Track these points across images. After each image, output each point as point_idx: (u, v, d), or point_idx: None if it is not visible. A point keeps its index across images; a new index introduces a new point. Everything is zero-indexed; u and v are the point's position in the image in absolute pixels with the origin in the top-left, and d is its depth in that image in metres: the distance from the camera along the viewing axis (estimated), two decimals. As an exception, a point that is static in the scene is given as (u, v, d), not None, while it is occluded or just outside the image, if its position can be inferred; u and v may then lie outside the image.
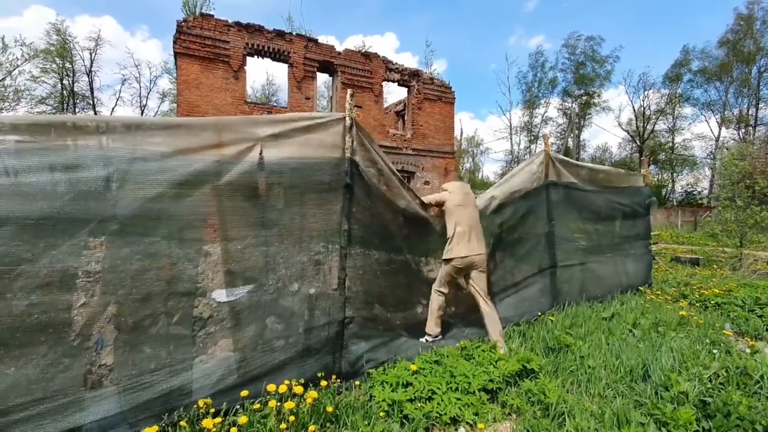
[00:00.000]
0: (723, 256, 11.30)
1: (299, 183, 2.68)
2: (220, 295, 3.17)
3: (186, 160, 2.23)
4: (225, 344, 2.62)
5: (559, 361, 3.48)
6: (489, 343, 3.59)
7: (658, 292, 6.09)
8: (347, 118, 2.80)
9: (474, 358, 3.31)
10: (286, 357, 2.80)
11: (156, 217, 2.20)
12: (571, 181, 5.17)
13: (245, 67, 13.18)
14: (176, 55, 12.40)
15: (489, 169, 79.37)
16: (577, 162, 5.37)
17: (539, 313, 4.62)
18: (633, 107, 42.58)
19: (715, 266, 9.35)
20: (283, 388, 2.47)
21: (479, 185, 50.63)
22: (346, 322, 3.12)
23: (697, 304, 5.63)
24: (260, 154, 2.54)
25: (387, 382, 2.90)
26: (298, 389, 2.46)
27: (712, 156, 38.06)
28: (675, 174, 40.76)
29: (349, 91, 2.94)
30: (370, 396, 2.84)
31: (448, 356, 3.25)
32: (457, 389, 2.83)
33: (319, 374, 2.74)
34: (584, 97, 41.38)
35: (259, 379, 2.63)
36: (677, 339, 3.98)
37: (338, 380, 2.80)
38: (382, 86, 15.79)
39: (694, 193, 39.07)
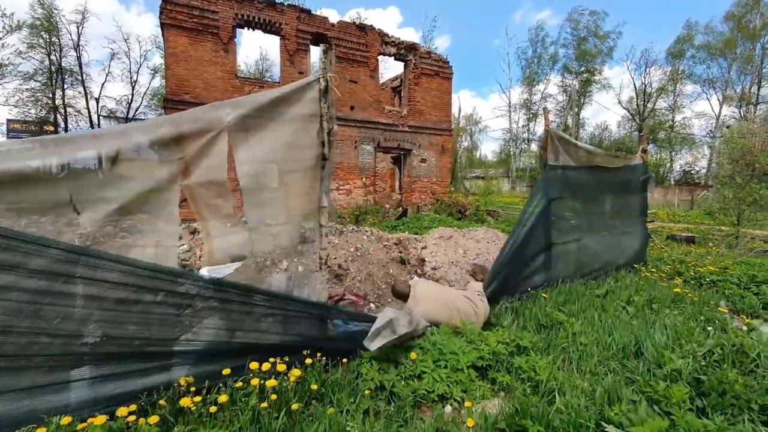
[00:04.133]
0: (719, 234, 11.28)
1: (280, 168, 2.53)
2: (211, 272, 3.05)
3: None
4: (211, 322, 2.52)
5: (551, 338, 3.43)
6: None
7: (653, 270, 6.04)
8: (321, 80, 2.58)
9: (465, 335, 3.25)
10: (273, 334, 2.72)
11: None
12: (568, 161, 5.02)
13: (235, 40, 12.72)
14: (163, 26, 11.92)
15: (487, 148, 78.76)
16: (576, 142, 5.21)
17: (530, 290, 4.56)
18: (634, 85, 41.92)
19: (710, 244, 9.32)
20: (266, 366, 2.40)
21: (477, 164, 50.27)
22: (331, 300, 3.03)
23: (692, 282, 5.59)
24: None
25: (375, 359, 2.84)
26: (281, 367, 2.39)
27: (711, 134, 37.78)
28: (673, 153, 40.50)
29: (333, 54, 2.71)
30: (358, 374, 2.78)
31: (440, 334, 3.18)
32: (446, 366, 2.77)
33: (305, 352, 2.67)
34: (585, 74, 40.62)
35: (244, 356, 2.55)
36: (671, 316, 3.94)
37: (324, 358, 2.72)
38: (377, 60, 15.33)
39: (692, 172, 38.95)
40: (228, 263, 3.04)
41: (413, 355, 2.83)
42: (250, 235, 2.50)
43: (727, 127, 31.08)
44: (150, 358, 2.13)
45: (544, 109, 4.94)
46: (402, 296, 3.73)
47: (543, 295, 4.28)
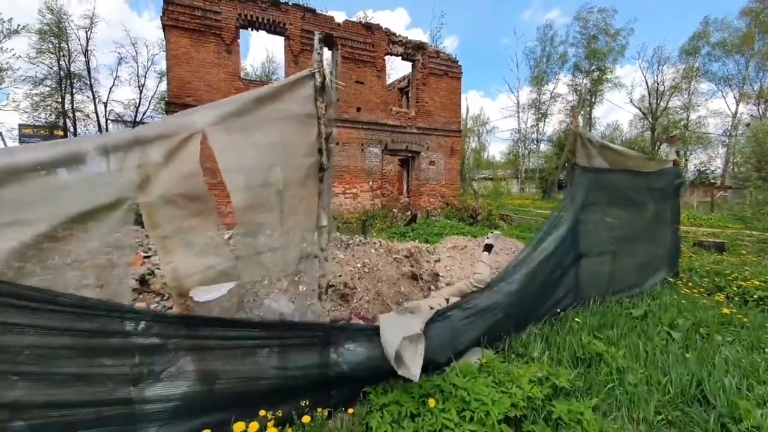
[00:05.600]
0: (749, 240, 10.62)
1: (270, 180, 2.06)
2: (201, 294, 2.64)
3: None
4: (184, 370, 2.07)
5: (591, 375, 2.93)
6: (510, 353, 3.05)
7: (690, 284, 5.49)
8: (317, 75, 2.13)
9: (492, 374, 2.77)
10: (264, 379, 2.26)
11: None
12: (602, 164, 4.52)
13: (238, 40, 12.37)
14: (165, 27, 11.61)
15: (495, 149, 77.98)
16: (608, 143, 4.70)
17: (559, 311, 4.05)
18: (646, 83, 40.94)
19: (743, 252, 8.69)
20: (254, 427, 1.95)
21: (484, 165, 49.60)
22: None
23: (736, 299, 5.03)
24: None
25: (387, 409, 2.37)
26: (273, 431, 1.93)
27: (728, 133, 36.70)
28: (687, 153, 39.44)
29: (317, 35, 2.23)
30: (367, 427, 2.32)
31: (461, 374, 2.70)
32: (472, 419, 2.29)
33: (303, 403, 2.21)
34: (596, 73, 39.73)
35: (228, 409, 2.10)
36: (727, 346, 3.42)
37: (325, 410, 2.26)
38: (384, 60, 14.90)
39: (707, 172, 37.86)
40: (208, 295, 2.60)
41: (431, 402, 2.36)
42: (238, 264, 2.05)
43: (747, 125, 30.10)
44: (102, 424, 1.68)
45: (572, 108, 4.47)
46: None
47: (576, 319, 3.78)
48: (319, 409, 2.18)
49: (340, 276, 4.02)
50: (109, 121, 31.98)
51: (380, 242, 5.20)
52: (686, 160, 39.81)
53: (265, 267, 2.08)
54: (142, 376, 1.67)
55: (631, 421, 2.50)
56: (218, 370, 1.96)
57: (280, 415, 2.09)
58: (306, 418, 2.05)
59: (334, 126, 2.29)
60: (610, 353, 3.19)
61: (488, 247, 4.34)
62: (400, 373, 2.24)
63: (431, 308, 2.82)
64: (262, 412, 2.11)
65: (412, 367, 2.24)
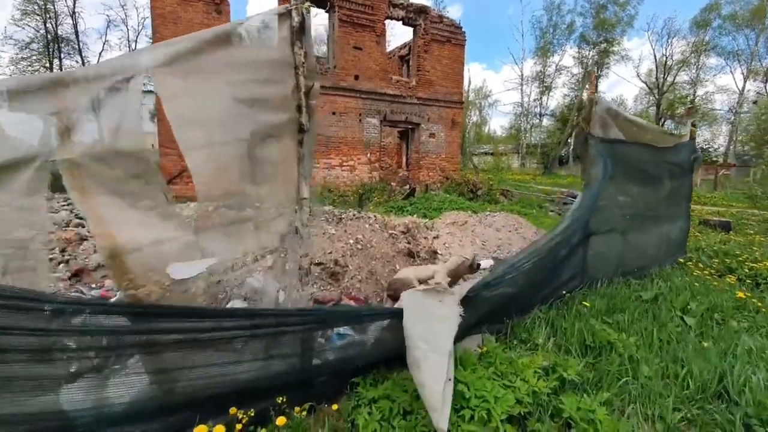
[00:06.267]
0: (755, 219, 10.38)
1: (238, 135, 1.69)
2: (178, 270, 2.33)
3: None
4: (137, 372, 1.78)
5: (601, 366, 2.68)
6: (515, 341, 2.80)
7: (700, 265, 5.24)
8: (294, 14, 1.71)
9: (494, 364, 2.51)
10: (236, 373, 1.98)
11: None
12: (618, 135, 4.15)
13: (228, 0, 11.60)
14: (149, -17, 10.83)
15: (496, 123, 76.69)
16: (626, 114, 4.31)
17: (565, 293, 3.78)
18: (654, 56, 39.71)
19: (750, 232, 8.44)
20: (219, 430, 1.68)
21: (485, 140, 48.73)
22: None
23: (748, 281, 4.78)
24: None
25: (376, 405, 2.12)
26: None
27: (733, 110, 35.89)
28: (681, 130, 38.63)
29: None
30: (353, 424, 2.07)
31: (462, 365, 2.44)
32: (472, 418, 2.04)
33: (280, 399, 1.94)
34: (603, 45, 38.36)
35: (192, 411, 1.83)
36: (745, 333, 3.17)
37: (306, 405, 2.00)
38: (384, 25, 14.11)
39: (710, 150, 37.28)
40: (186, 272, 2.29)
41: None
42: (200, 239, 1.72)
43: (754, 102, 29.37)
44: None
45: (589, 72, 4.03)
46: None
47: (584, 303, 3.51)
48: (297, 409, 1.91)
49: (331, 253, 3.72)
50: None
51: (376, 217, 4.88)
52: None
53: (234, 244, 1.76)
54: (73, 379, 1.38)
55: (645, 418, 2.26)
56: (176, 367, 1.68)
57: (252, 414, 1.82)
58: (281, 420, 1.78)
59: (317, 79, 1.91)
60: (621, 341, 2.94)
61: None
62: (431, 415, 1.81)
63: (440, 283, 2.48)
64: (232, 411, 1.85)
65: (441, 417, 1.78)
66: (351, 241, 3.97)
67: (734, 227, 9.13)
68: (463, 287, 2.37)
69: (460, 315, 2.07)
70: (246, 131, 1.64)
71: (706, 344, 2.90)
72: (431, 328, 2.14)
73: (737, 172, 25.84)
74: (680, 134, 5.52)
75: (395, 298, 3.12)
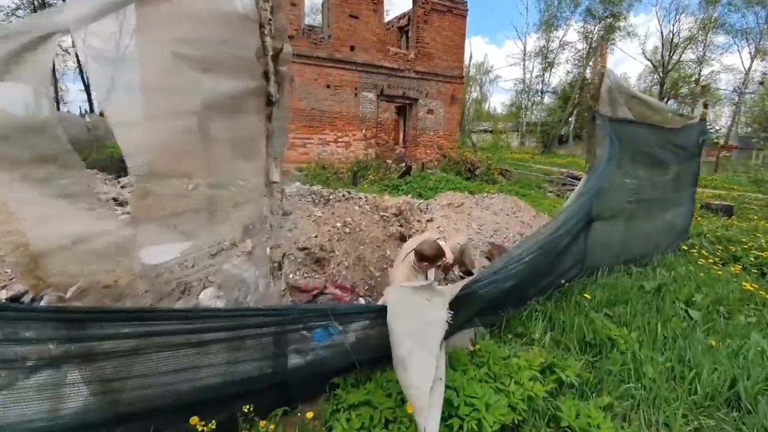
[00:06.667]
0: (757, 204, 10.18)
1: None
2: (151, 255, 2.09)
3: None
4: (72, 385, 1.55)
5: (602, 365, 2.50)
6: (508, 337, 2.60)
7: (704, 252, 5.05)
8: None
9: (488, 364, 2.31)
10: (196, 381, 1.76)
11: None
12: (627, 114, 3.85)
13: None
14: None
15: (496, 100, 75.34)
16: (636, 92, 3.99)
17: (564, 283, 3.58)
18: (661, 33, 38.53)
19: (753, 217, 8.25)
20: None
21: (485, 117, 47.84)
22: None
23: (754, 270, 4.60)
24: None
25: (356, 411, 1.92)
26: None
27: (738, 90, 35.15)
28: (694, 110, 38.01)
29: None
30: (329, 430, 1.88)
31: (450, 366, 2.24)
32: (461, 429, 1.84)
33: (246, 408, 1.73)
34: (609, 19, 37.12)
35: (145, 421, 1.61)
36: (755, 330, 2.99)
37: (279, 410, 1.79)
38: (382, -8, 13.40)
39: (712, 131, 36.71)
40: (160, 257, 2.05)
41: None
42: (141, 231, 1.46)
43: (761, 83, 28.71)
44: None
45: (600, 41, 3.65)
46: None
47: (585, 295, 3.31)
48: (263, 423, 1.70)
49: (316, 237, 3.47)
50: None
51: (367, 197, 4.61)
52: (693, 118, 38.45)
53: (182, 237, 1.50)
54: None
55: (649, 425, 2.09)
56: (121, 376, 1.45)
57: (213, 427, 1.61)
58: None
59: (287, 42, 1.60)
60: (623, 337, 2.75)
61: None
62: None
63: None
64: (193, 420, 1.64)
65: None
66: (339, 225, 3.71)
67: (736, 212, 8.93)
68: (456, 286, 2.13)
69: (447, 321, 1.84)
70: (196, 101, 1.36)
71: (713, 342, 2.71)
72: (417, 325, 1.91)
73: (738, 154, 25.53)
74: (689, 116, 5.21)
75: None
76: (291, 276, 3.12)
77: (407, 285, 2.14)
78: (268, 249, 1.80)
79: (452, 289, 2.12)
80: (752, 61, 34.88)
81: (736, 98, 35.39)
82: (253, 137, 1.59)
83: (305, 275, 3.19)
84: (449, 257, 3.08)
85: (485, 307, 2.65)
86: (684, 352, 2.59)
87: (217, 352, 1.77)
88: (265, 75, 1.58)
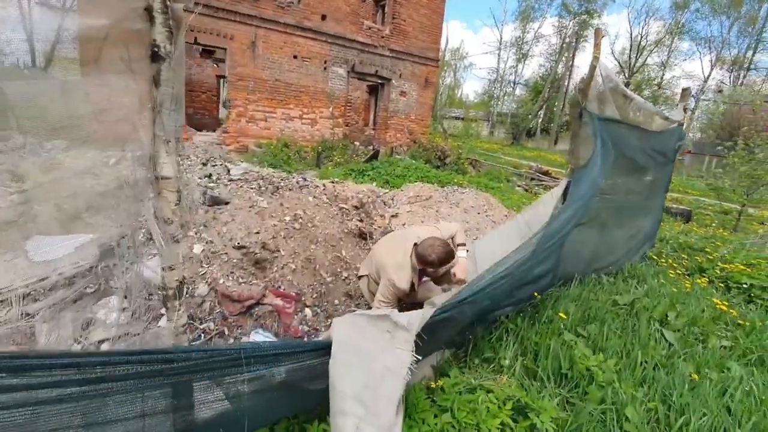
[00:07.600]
0: (711, 209, 10.50)
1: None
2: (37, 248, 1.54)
3: None
4: None
5: (580, 407, 2.16)
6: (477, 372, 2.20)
7: (671, 261, 4.94)
8: None
9: (451, 409, 1.90)
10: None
11: None
12: (614, 113, 3.51)
13: None
14: None
15: (469, 87, 75.34)
16: (627, 91, 3.64)
17: (536, 295, 3.25)
18: (630, 34, 39.63)
19: (710, 224, 8.43)
20: None
21: (457, 104, 47.68)
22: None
23: (720, 284, 4.52)
24: None
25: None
26: None
27: (695, 97, 36.88)
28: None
29: None
30: None
31: (406, 410, 1.81)
32: None
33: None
34: (584, 16, 37.61)
35: None
36: (733, 359, 2.79)
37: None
38: (359, -40, 12.48)
39: (668, 134, 38.46)
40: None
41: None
42: None
43: (719, 92, 30.12)
44: None
45: (597, 30, 3.25)
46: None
47: (560, 314, 2.98)
48: None
49: (258, 233, 2.92)
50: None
51: (324, 185, 4.06)
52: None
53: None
54: None
55: (631, 485, 1.77)
56: None
57: None
58: None
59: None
60: (601, 366, 2.44)
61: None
62: None
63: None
64: None
65: None
66: (287, 219, 3.16)
67: (693, 217, 9.13)
68: (426, 312, 1.68)
69: (411, 367, 1.39)
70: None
71: (695, 376, 2.46)
72: (373, 376, 1.45)
73: (692, 159, 26.83)
74: (672, 119, 5.01)
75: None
76: (222, 282, 2.56)
77: (361, 314, 1.67)
78: (159, 270, 1.26)
79: (422, 316, 1.66)
80: (712, 69, 36.63)
81: (693, 104, 37.16)
82: (126, 107, 1.03)
83: (241, 280, 2.65)
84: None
85: (455, 333, 2.24)
86: (666, 390, 2.30)
87: (93, 409, 1.23)
88: (148, 13, 1.01)
